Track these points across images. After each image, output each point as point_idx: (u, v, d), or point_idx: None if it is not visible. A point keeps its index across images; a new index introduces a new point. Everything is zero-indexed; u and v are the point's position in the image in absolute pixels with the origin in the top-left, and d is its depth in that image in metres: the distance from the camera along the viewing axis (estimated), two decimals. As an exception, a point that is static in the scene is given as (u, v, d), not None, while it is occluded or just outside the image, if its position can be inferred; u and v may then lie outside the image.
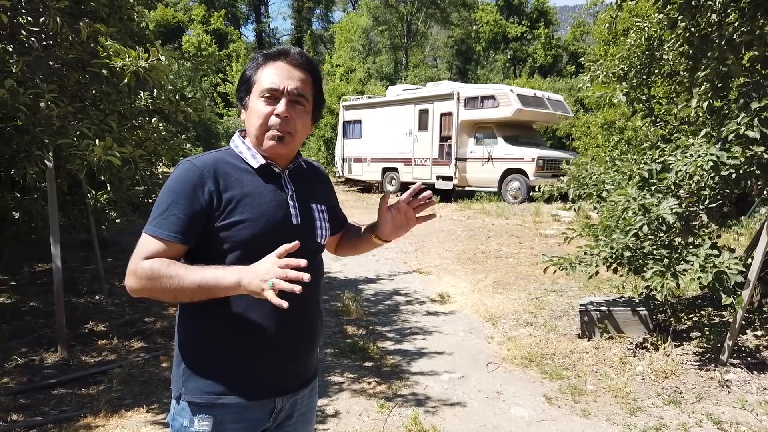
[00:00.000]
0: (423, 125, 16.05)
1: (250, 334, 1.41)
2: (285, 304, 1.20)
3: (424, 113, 16.03)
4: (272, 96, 1.43)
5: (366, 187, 18.19)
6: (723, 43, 3.72)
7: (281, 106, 1.42)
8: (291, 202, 1.48)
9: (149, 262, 1.32)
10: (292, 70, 1.45)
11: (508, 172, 14.18)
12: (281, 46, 1.51)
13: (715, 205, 4.51)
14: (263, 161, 1.47)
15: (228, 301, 1.38)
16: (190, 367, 1.44)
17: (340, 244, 1.81)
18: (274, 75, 1.44)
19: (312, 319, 1.53)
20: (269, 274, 1.22)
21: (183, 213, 1.36)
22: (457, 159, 15.11)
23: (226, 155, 1.48)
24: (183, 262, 1.46)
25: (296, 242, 1.28)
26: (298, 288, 1.20)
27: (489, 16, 38.16)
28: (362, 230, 1.76)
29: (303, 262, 1.23)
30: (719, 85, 3.86)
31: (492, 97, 14.53)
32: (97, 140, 3.48)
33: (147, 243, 1.36)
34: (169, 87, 4.38)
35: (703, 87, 3.88)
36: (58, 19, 3.52)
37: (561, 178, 5.10)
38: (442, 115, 15.53)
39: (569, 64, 37.54)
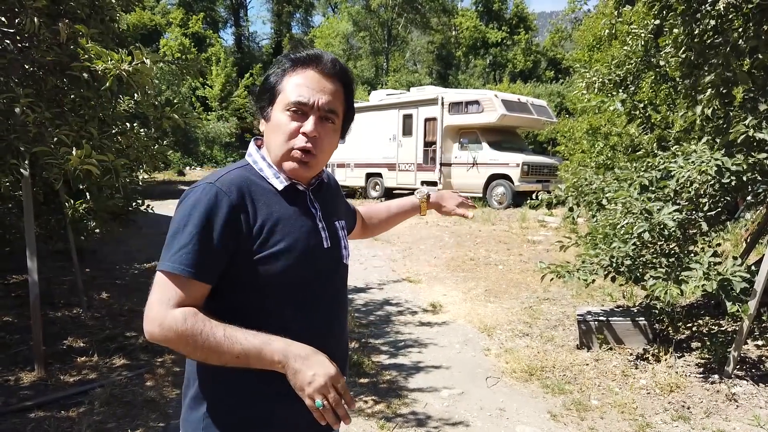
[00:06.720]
0: (407, 130, 15.92)
1: (274, 377, 1.20)
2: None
3: (408, 118, 15.91)
4: (299, 111, 1.25)
5: (349, 193, 17.98)
6: (728, 49, 3.64)
7: (309, 125, 1.24)
8: (320, 224, 1.32)
9: (181, 313, 1.11)
10: (324, 81, 1.27)
11: (493, 178, 14.13)
12: (312, 50, 1.30)
13: (713, 212, 4.44)
14: (287, 182, 1.29)
15: None
16: (212, 413, 1.24)
17: (364, 229, 1.85)
18: (303, 86, 1.25)
19: (341, 359, 1.35)
20: (317, 385, 1.14)
21: (209, 247, 1.15)
22: (441, 164, 15.01)
23: (249, 173, 1.28)
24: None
25: None
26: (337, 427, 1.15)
27: (469, 21, 38.37)
28: (392, 207, 1.89)
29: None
30: (724, 91, 3.78)
31: (476, 102, 14.47)
32: (74, 148, 3.26)
33: (170, 284, 1.13)
34: (151, 91, 4.17)
35: (708, 93, 3.80)
36: (35, 19, 3.29)
37: (559, 185, 4.98)
38: (427, 120, 15.42)
39: (548, 69, 37.89)
